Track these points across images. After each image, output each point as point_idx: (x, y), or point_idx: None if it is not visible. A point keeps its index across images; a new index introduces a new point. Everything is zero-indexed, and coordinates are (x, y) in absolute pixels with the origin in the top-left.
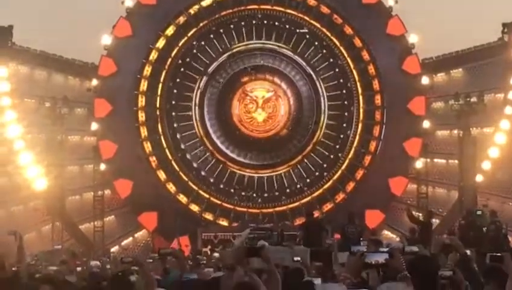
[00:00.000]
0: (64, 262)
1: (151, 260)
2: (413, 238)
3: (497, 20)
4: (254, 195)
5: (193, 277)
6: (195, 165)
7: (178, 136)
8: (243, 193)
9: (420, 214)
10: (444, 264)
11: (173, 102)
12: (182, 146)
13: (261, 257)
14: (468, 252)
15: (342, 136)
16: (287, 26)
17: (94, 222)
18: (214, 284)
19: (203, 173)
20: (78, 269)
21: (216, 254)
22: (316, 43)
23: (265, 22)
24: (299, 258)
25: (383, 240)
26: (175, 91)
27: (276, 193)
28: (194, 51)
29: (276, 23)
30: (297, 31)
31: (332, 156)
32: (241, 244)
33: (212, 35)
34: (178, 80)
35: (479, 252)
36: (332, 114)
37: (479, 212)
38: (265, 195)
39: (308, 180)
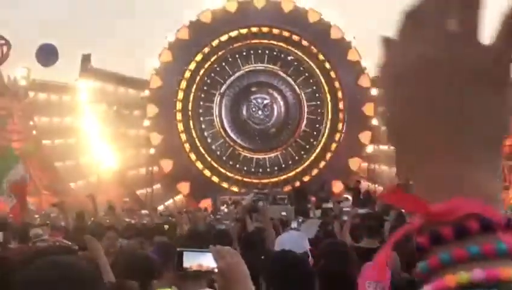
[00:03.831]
0: (111, 208)
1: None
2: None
3: None
4: (257, 171)
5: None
6: (216, 150)
7: (204, 130)
8: (252, 170)
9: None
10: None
11: (200, 108)
12: (207, 137)
13: (260, 212)
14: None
15: (316, 131)
16: (280, 54)
17: (146, 189)
18: (225, 233)
19: (220, 155)
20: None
21: (226, 209)
22: (299, 66)
23: (266, 51)
24: (284, 213)
25: (344, 201)
26: (202, 100)
27: (272, 169)
28: (215, 71)
29: (274, 53)
30: (287, 57)
31: (310, 145)
32: (247, 204)
33: (227, 60)
34: (204, 91)
35: None
36: (310, 116)
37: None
38: (265, 170)
39: (294, 160)
